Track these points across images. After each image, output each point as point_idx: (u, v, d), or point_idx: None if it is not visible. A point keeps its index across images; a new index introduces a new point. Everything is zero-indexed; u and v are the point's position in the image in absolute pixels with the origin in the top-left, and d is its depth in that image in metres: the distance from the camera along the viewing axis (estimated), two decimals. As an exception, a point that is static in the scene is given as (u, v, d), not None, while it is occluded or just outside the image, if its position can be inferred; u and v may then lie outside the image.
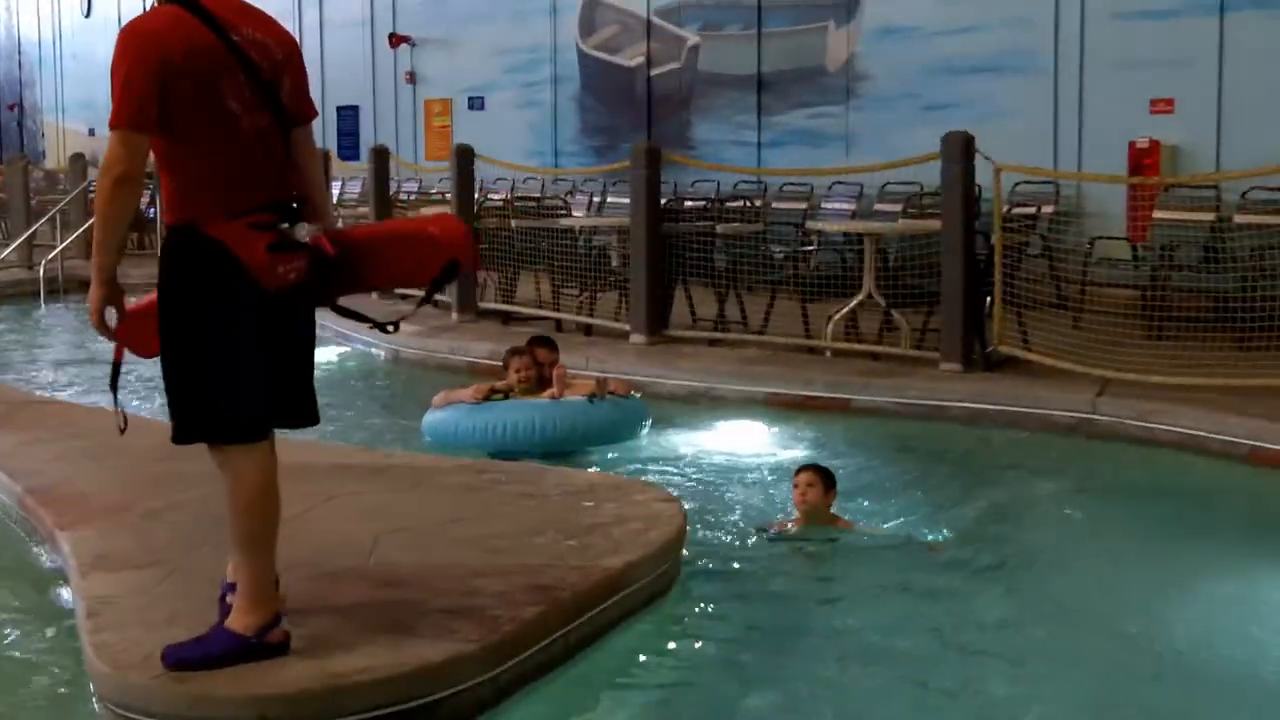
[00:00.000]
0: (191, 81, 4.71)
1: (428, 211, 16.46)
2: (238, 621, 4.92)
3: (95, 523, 6.73)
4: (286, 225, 4.87)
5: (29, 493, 7.38)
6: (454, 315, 14.64)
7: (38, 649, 5.91)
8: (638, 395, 10.00)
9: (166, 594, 5.68)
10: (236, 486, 4.92)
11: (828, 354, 11.83)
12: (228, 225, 4.77)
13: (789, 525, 7.46)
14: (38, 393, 11.60)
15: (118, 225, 4.77)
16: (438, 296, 15.14)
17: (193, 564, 6.12)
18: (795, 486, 7.44)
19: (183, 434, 4.95)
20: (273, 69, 4.92)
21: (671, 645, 5.93)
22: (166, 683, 4.75)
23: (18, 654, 5.86)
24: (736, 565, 6.97)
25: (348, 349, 14.53)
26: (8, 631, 6.12)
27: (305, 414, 5.20)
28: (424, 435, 9.69)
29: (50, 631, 6.07)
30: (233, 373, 4.84)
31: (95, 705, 5.08)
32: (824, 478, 7.43)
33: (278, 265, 4.82)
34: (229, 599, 5.10)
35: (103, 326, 4.91)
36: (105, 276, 4.80)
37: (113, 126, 4.70)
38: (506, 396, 9.55)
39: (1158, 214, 13.03)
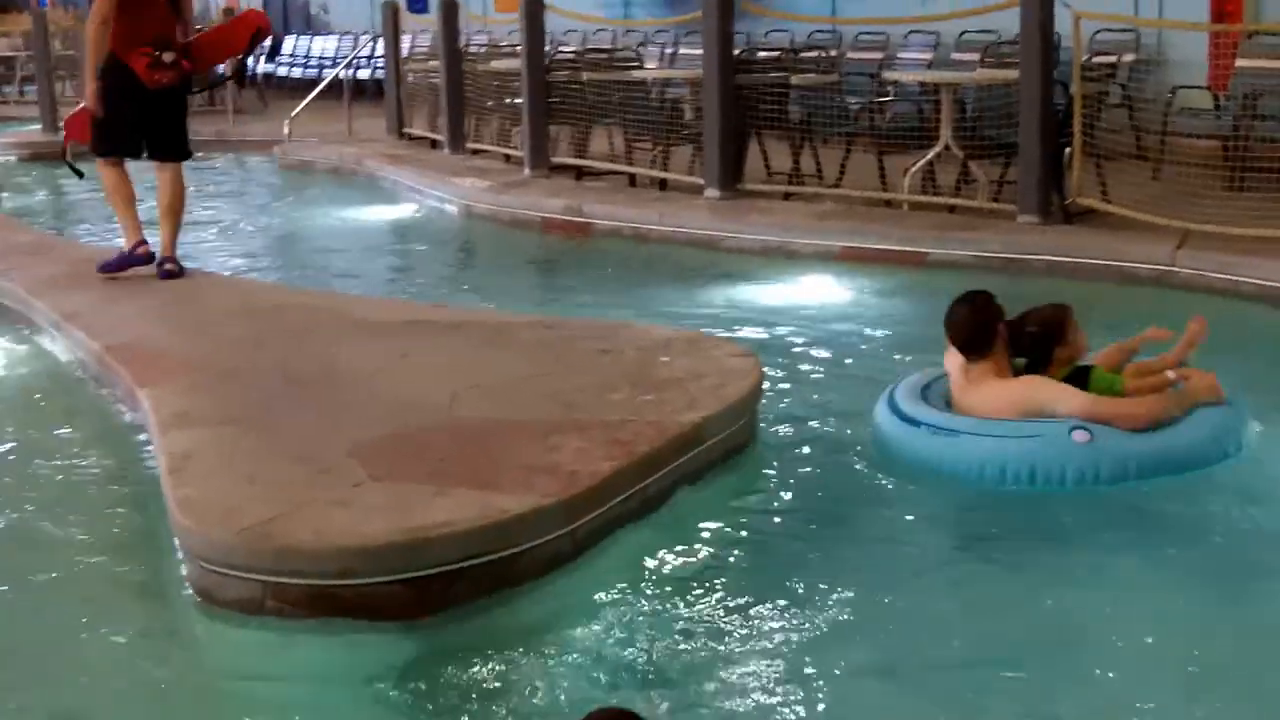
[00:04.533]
0: None
1: None
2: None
3: (174, 380, 6.78)
4: (158, 53, 9.10)
5: (108, 350, 7.44)
6: (526, 170, 14.55)
7: (120, 505, 6.00)
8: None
9: (246, 451, 5.73)
10: (103, 181, 9.54)
11: (904, 207, 11.71)
12: (130, 53, 9.06)
13: None
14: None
15: (96, 50, 9.14)
16: (473, 145, 15.58)
17: (271, 422, 6.16)
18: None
19: (93, 150, 9.57)
20: None
21: (747, 500, 5.92)
22: (250, 537, 4.80)
23: (102, 510, 5.94)
24: (813, 420, 6.94)
25: (418, 206, 14.52)
26: (91, 488, 6.22)
27: (177, 152, 9.55)
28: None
29: (132, 487, 6.15)
30: (115, 125, 9.26)
31: (179, 559, 5.15)
32: None
33: (154, 75, 9.12)
34: (167, 266, 9.33)
35: (98, 109, 9.23)
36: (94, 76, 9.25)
37: None
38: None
39: (1240, 62, 12.71)
